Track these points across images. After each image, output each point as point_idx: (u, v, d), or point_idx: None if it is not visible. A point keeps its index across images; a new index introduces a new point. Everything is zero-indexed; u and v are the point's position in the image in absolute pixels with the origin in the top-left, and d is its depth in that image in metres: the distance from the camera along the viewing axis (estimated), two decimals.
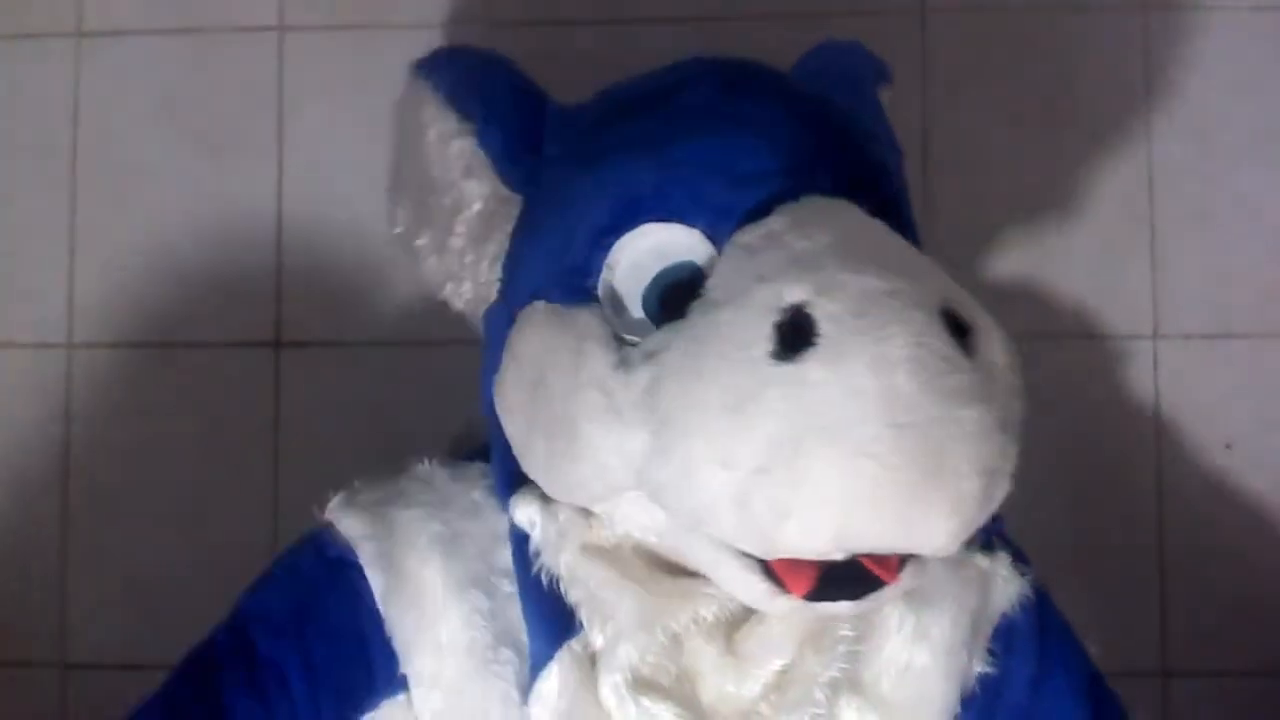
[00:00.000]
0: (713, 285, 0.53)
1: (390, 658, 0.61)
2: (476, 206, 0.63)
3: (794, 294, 0.49)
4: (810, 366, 0.48)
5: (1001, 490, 0.51)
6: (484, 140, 0.63)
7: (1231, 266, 0.90)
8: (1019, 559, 0.67)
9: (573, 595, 0.58)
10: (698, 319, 0.52)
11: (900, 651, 0.61)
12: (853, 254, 0.51)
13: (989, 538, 0.65)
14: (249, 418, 0.91)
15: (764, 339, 0.49)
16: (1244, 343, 0.89)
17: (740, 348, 0.49)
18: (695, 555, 0.56)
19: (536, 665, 0.59)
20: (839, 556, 0.50)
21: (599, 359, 0.54)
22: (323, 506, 0.64)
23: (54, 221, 0.93)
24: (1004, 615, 0.65)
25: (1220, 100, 0.90)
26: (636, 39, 0.91)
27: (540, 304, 0.58)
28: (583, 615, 0.58)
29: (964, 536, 0.50)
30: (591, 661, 0.58)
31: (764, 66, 0.64)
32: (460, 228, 0.64)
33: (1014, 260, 0.90)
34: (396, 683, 0.61)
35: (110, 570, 0.91)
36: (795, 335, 0.48)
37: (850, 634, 0.60)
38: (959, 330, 0.50)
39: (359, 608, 0.61)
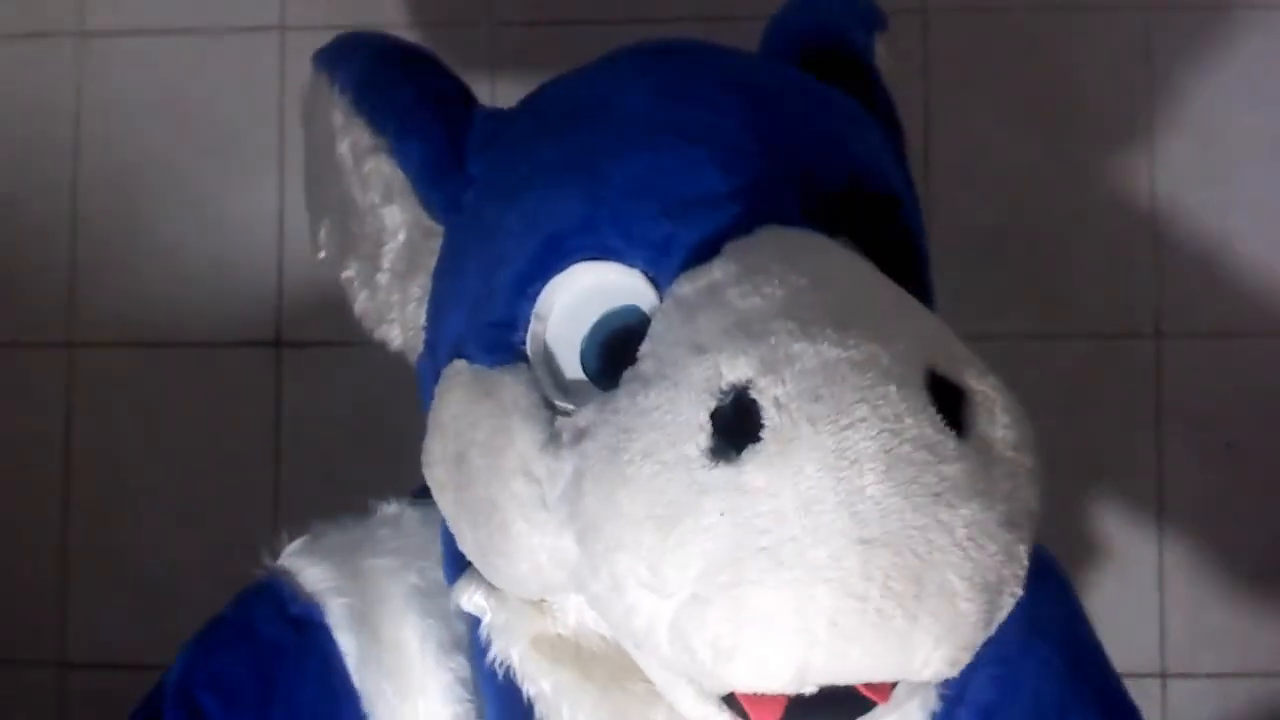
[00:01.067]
0: (645, 352, 0.43)
1: None
2: (401, 236, 0.53)
3: (735, 371, 0.40)
4: (751, 470, 0.38)
5: (1010, 599, 0.41)
6: (401, 158, 0.53)
7: (1233, 266, 0.89)
8: None
9: (528, 690, 0.51)
10: (624, 400, 0.42)
11: None
12: (812, 313, 0.41)
13: None
14: (249, 418, 0.91)
15: (698, 432, 0.39)
16: (1245, 342, 0.89)
17: (671, 443, 0.40)
18: (648, 672, 0.46)
19: None
20: (809, 690, 0.41)
21: (525, 438, 0.45)
22: (294, 532, 0.58)
23: (54, 221, 0.93)
24: None
25: (1221, 100, 0.90)
26: (637, 39, 0.90)
27: (462, 364, 0.48)
28: (540, 711, 0.51)
29: (964, 661, 0.40)
30: None
31: (719, 52, 0.54)
32: (385, 261, 0.54)
33: (1014, 260, 0.90)
34: None
35: (110, 570, 0.91)
36: (737, 426, 0.39)
37: None
38: (951, 398, 0.40)
39: (329, 678, 0.53)
